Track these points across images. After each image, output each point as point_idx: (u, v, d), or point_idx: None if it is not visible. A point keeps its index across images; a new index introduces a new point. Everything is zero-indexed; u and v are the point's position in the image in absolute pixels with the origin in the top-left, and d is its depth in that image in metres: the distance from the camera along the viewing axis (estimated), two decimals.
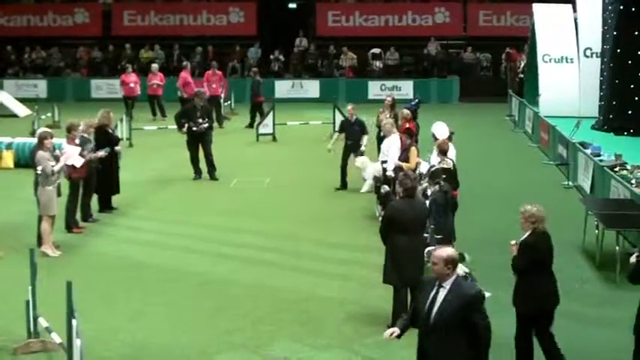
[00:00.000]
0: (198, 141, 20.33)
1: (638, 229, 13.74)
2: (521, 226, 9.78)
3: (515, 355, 9.87)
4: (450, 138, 15.85)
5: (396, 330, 7.97)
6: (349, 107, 20.18)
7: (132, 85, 31.81)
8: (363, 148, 19.49)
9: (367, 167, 18.71)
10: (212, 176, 20.51)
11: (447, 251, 7.68)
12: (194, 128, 20.14)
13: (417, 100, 23.44)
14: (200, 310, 12.11)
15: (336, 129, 20.33)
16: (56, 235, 14.99)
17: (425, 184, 13.44)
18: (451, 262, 7.60)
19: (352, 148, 19.48)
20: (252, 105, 30.37)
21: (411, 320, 7.96)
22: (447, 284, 7.57)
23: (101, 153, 16.68)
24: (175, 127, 21.14)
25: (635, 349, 9.00)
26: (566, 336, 11.15)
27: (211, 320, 11.62)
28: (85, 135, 16.49)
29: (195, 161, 20.53)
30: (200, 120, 20.19)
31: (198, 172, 20.58)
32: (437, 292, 7.58)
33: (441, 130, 16.26)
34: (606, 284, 12.83)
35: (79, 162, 15.41)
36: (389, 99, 21.46)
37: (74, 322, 8.69)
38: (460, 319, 7.43)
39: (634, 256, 9.07)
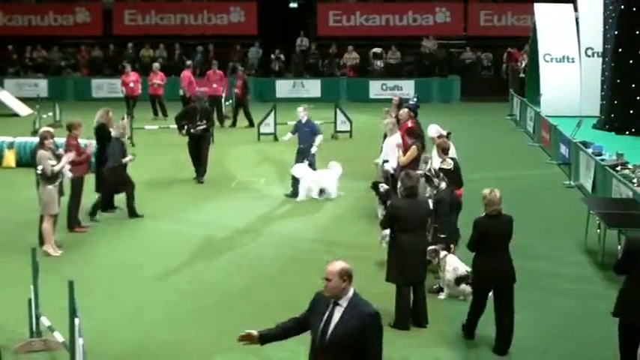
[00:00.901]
0: (197, 142, 20.37)
1: (639, 228, 13.72)
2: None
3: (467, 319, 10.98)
4: (447, 137, 15.89)
5: (254, 332, 7.62)
6: (300, 108, 19.60)
7: (131, 84, 31.78)
8: (313, 149, 19.05)
9: (305, 176, 18.53)
10: (199, 179, 20.38)
11: (339, 264, 7.10)
12: (191, 130, 20.15)
13: (416, 99, 23.45)
14: (201, 309, 12.11)
15: (291, 130, 20.04)
16: (58, 234, 14.99)
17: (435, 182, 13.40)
18: (346, 274, 7.04)
19: (302, 152, 19.03)
20: (241, 105, 30.45)
21: (283, 333, 7.68)
22: (344, 302, 7.06)
23: (128, 158, 16.97)
24: (176, 127, 21.15)
25: (619, 334, 9.14)
26: (569, 334, 11.17)
27: (212, 319, 11.63)
28: (119, 136, 17.00)
29: (196, 162, 20.55)
30: (199, 123, 20.18)
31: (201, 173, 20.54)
32: (332, 311, 7.10)
33: (432, 130, 16.35)
34: (609, 283, 12.80)
35: (68, 174, 15.29)
36: (396, 99, 21.45)
37: (76, 321, 8.70)
38: (355, 341, 6.95)
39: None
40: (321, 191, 18.79)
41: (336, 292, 7.08)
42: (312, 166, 18.92)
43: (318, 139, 19.19)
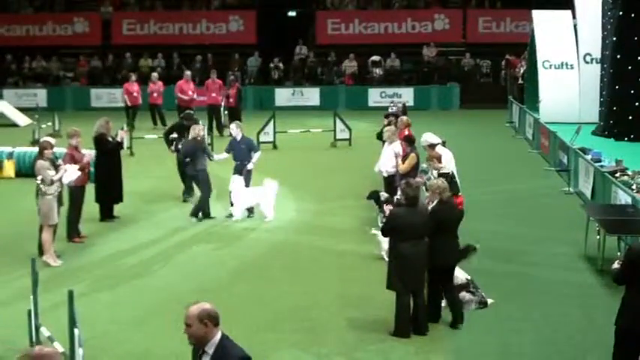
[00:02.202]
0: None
1: (639, 234, 13.72)
2: (430, 198, 11.87)
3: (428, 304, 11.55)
4: (443, 145, 15.89)
5: None
6: (232, 125, 18.90)
7: (135, 94, 31.84)
8: (250, 166, 18.10)
9: (240, 193, 17.68)
10: (187, 198, 19.35)
11: (197, 306, 6.45)
12: (179, 147, 19.10)
13: (395, 107, 23.65)
14: None
15: (225, 148, 18.79)
16: (57, 244, 14.97)
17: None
18: (207, 317, 6.40)
19: (239, 168, 18.18)
20: (235, 114, 30.35)
21: None
22: (210, 349, 6.40)
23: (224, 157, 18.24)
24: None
25: (615, 341, 9.08)
26: (569, 340, 11.15)
27: None
28: (199, 138, 17.82)
29: (185, 178, 19.53)
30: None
31: (188, 191, 19.53)
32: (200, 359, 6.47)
33: (425, 138, 16.35)
34: (608, 290, 12.79)
35: (75, 175, 15.22)
36: (399, 105, 21.53)
37: (76, 331, 8.69)
38: None
39: (616, 262, 9.34)
40: (251, 210, 17.98)
41: (199, 339, 6.43)
42: (246, 182, 18.02)
43: (256, 155, 18.39)
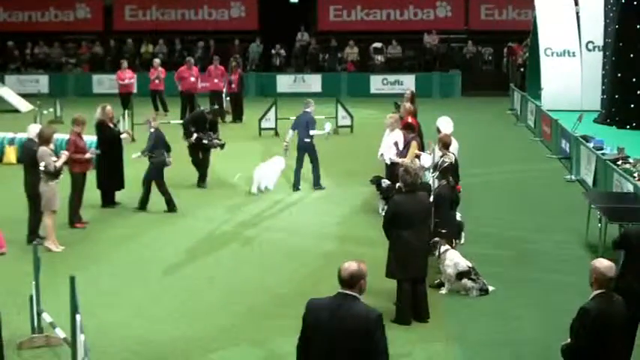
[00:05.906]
0: (202, 150, 19.81)
1: None
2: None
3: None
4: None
5: None
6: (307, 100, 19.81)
7: (127, 81, 31.57)
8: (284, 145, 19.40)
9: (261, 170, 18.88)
10: (201, 184, 19.80)
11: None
12: (204, 141, 19.54)
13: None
14: (204, 305, 12.12)
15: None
16: (59, 230, 14.98)
17: (431, 177, 13.43)
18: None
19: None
20: (237, 100, 30.44)
21: None
22: None
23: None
24: (182, 128, 20.52)
25: None
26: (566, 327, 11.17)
27: (215, 315, 11.64)
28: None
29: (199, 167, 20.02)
30: (214, 137, 19.77)
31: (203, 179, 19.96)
32: None
33: (445, 124, 16.24)
34: None
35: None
36: (408, 92, 21.50)
37: (78, 317, 8.71)
38: None
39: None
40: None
41: None
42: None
43: (289, 134, 19.64)
